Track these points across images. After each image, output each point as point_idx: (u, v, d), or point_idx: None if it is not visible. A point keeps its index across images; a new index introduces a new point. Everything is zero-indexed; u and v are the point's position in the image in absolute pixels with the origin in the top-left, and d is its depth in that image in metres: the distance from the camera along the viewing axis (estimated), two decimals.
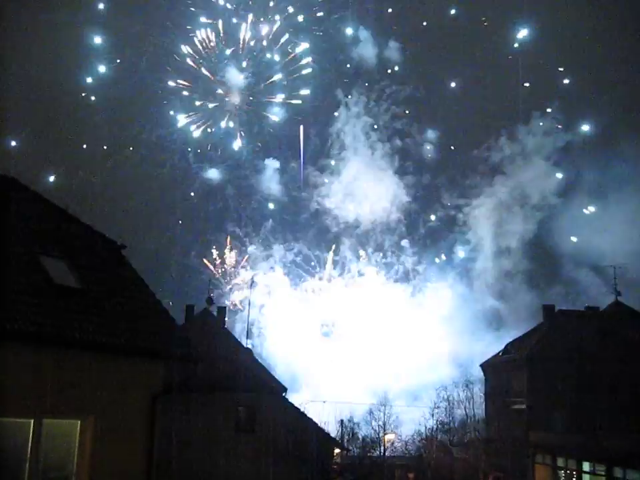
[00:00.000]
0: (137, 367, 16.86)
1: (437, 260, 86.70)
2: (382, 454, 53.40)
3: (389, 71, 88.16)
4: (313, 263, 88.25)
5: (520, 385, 47.47)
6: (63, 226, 18.78)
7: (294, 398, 69.68)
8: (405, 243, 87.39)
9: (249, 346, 74.03)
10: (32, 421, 14.17)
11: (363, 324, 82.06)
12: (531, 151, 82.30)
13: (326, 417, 57.18)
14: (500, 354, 53.37)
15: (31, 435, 14.11)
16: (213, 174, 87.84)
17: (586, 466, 39.33)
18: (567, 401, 41.74)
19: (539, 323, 51.93)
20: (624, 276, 51.48)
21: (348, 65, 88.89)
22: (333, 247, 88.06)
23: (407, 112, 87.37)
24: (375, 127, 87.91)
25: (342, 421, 57.71)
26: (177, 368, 18.64)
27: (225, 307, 58.92)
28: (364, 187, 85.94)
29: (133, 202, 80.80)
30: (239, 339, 49.95)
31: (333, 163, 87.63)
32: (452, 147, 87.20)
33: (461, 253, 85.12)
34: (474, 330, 72.86)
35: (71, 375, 14.95)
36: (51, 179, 79.91)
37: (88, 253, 18.91)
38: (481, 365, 55.70)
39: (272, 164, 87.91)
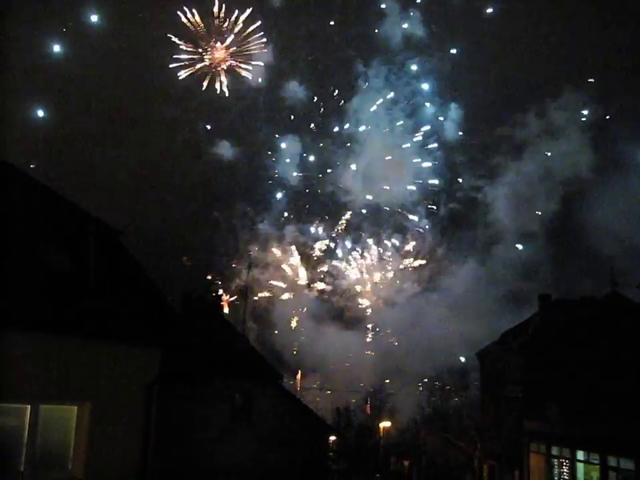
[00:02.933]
0: (134, 354, 16.86)
1: (457, 241, 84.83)
2: (377, 441, 53.61)
3: (411, 42, 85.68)
4: (327, 245, 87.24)
5: (515, 373, 47.61)
6: (60, 212, 18.70)
7: (293, 384, 70.73)
8: (425, 224, 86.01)
9: (252, 330, 74.17)
10: (29, 406, 14.20)
11: (378, 307, 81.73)
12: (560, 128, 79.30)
13: (322, 404, 57.64)
14: (496, 342, 53.46)
15: (27, 420, 14.15)
16: (225, 149, 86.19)
17: (580, 455, 39.52)
18: (562, 389, 41.80)
19: (535, 311, 52.04)
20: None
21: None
22: (343, 224, 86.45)
23: (428, 86, 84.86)
24: (395, 101, 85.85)
25: (338, 408, 58.00)
26: (173, 355, 18.65)
27: (221, 295, 58.70)
28: (383, 166, 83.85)
29: (138, 178, 79.86)
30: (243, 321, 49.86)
31: (350, 140, 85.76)
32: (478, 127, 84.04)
33: (481, 233, 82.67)
34: (492, 313, 70.67)
35: (68, 361, 14.96)
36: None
37: (85, 239, 18.84)
38: (477, 353, 55.81)
39: (288, 141, 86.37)
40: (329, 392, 66.43)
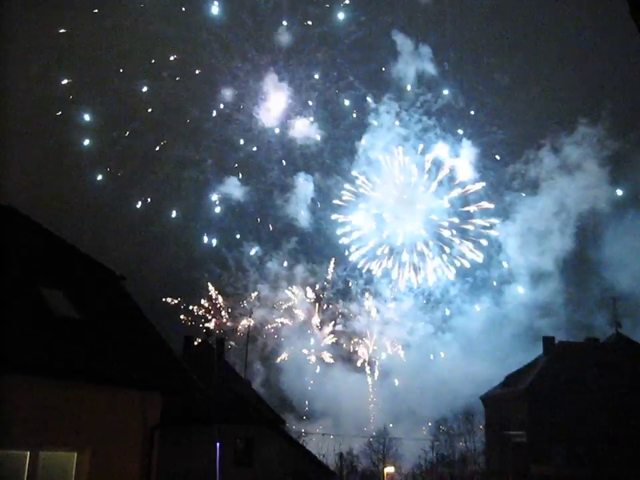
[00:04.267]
0: (134, 399, 16.75)
1: (469, 281, 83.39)
2: None
3: (423, 77, 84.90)
4: (339, 287, 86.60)
5: (520, 417, 47.17)
6: (63, 256, 18.79)
7: (298, 426, 70.01)
8: (437, 264, 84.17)
9: (262, 372, 73.41)
10: (28, 453, 14.05)
11: (388, 349, 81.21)
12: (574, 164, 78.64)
13: (325, 448, 56.98)
14: (500, 386, 53.08)
15: (26, 467, 13.98)
16: (234, 188, 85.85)
17: None
18: (568, 433, 41.41)
19: (539, 354, 51.73)
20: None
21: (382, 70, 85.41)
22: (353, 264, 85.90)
23: (440, 122, 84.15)
24: (407, 138, 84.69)
25: (341, 453, 57.34)
26: (175, 400, 18.54)
27: (223, 339, 58.29)
28: (394, 205, 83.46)
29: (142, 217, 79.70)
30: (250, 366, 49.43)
31: (361, 178, 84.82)
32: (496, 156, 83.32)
33: (494, 274, 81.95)
34: (503, 353, 69.26)
35: (68, 406, 14.85)
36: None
37: (87, 284, 18.90)
38: (481, 397, 55.36)
39: (299, 180, 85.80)
40: (332, 437, 65.64)
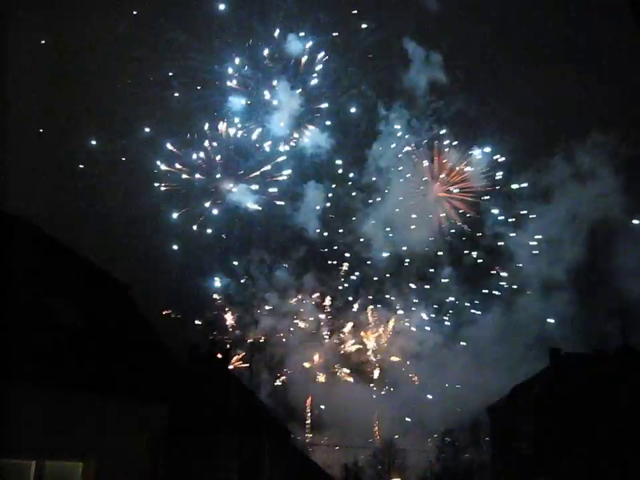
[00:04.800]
0: (140, 409, 16.73)
1: (480, 292, 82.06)
2: None
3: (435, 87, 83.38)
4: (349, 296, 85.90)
5: (526, 429, 46.92)
6: (69, 265, 18.82)
7: (301, 440, 69.76)
8: (446, 274, 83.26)
9: (269, 382, 72.88)
10: (33, 462, 14.03)
11: (398, 362, 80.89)
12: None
13: (331, 458, 56.80)
14: (506, 397, 52.84)
15: (32, 477, 13.97)
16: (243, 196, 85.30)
17: None
18: (574, 446, 41.16)
19: (545, 366, 51.52)
20: None
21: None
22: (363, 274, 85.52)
23: (452, 130, 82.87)
24: (418, 145, 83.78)
25: (346, 465, 57.19)
26: (180, 410, 18.50)
27: (229, 349, 57.97)
28: (404, 214, 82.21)
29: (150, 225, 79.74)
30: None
31: (370, 187, 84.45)
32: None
33: (505, 282, 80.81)
34: (513, 363, 67.99)
35: (74, 416, 14.84)
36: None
37: (93, 293, 18.92)
38: (487, 409, 55.09)
39: (309, 190, 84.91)
40: (337, 447, 65.41)
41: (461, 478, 53.38)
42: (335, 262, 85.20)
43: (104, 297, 19.40)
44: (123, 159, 79.70)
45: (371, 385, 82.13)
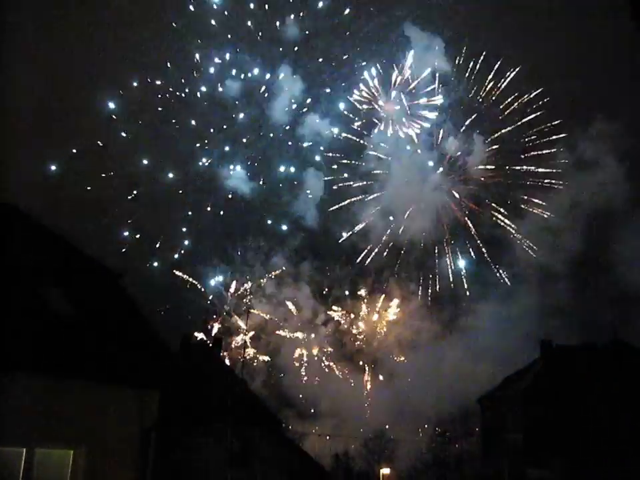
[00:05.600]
0: (131, 397, 16.73)
1: (481, 280, 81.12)
2: None
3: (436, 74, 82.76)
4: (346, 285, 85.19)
5: (516, 420, 47.16)
6: (62, 254, 18.78)
7: (298, 425, 69.89)
8: (446, 261, 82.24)
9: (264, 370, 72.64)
10: (24, 450, 14.04)
11: (392, 352, 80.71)
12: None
13: (321, 448, 56.93)
14: (497, 388, 53.09)
15: (22, 464, 13.98)
16: (242, 182, 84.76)
17: None
18: (564, 437, 41.41)
19: (536, 357, 51.72)
20: None
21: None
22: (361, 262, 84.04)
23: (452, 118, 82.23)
24: (417, 132, 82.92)
25: (337, 454, 57.33)
26: (171, 399, 18.51)
27: (220, 338, 57.75)
28: (403, 202, 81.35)
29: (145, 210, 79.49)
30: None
31: (370, 175, 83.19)
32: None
33: (504, 271, 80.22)
34: (511, 353, 65.88)
35: (64, 404, 14.84)
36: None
37: (85, 282, 18.89)
38: (478, 399, 55.33)
39: (308, 176, 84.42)
40: (328, 437, 65.53)
41: (451, 468, 53.62)
42: (332, 250, 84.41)
43: (95, 286, 19.37)
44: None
45: (365, 374, 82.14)
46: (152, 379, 17.65)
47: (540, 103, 78.61)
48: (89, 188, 76.48)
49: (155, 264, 79.79)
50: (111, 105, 79.74)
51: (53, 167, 77.03)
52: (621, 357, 45.36)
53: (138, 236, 79.03)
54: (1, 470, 13.92)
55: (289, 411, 72.58)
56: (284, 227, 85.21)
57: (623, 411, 40.62)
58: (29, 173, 65.11)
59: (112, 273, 20.47)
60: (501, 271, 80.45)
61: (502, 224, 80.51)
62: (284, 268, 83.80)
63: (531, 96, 79.00)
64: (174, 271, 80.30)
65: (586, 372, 43.36)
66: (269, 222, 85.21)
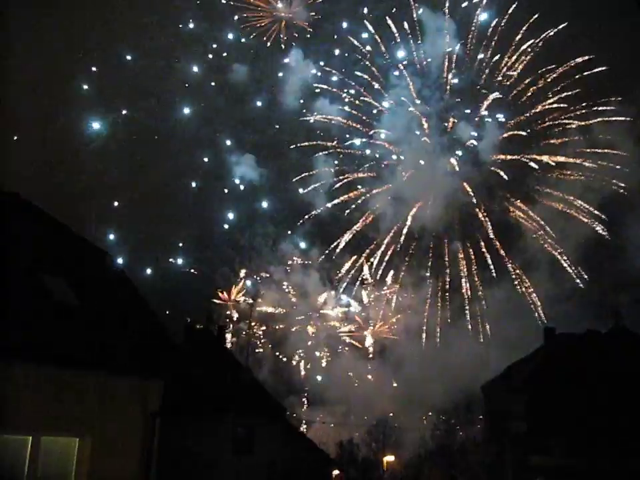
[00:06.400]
0: (135, 386, 16.82)
1: (489, 267, 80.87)
2: (381, 476, 53.16)
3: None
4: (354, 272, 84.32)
5: (520, 408, 47.19)
6: (65, 243, 18.81)
7: (304, 411, 70.12)
8: (456, 248, 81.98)
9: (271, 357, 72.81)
10: (30, 438, 14.13)
11: (399, 339, 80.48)
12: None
13: (327, 436, 57.19)
14: (500, 376, 53.09)
15: (28, 452, 14.07)
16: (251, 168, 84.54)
17: None
18: (567, 424, 41.44)
19: (540, 345, 51.70)
20: None
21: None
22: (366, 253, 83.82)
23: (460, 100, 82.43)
24: (429, 116, 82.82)
25: (341, 442, 57.53)
26: (175, 387, 18.60)
27: (223, 326, 57.40)
28: (414, 188, 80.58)
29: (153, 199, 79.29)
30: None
31: (381, 159, 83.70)
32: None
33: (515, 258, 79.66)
34: (519, 341, 65.23)
35: (69, 393, 14.93)
36: None
37: (88, 271, 18.94)
38: (481, 387, 55.38)
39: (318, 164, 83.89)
40: (332, 425, 65.76)
41: (454, 456, 53.76)
42: (342, 236, 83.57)
43: (99, 274, 19.42)
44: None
45: (369, 359, 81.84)
46: (156, 367, 17.74)
47: (555, 87, 78.55)
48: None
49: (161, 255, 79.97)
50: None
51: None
52: (625, 344, 45.36)
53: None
54: (7, 458, 14.02)
55: (296, 398, 72.78)
56: (293, 213, 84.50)
57: (626, 398, 40.62)
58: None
59: (116, 262, 20.52)
60: (509, 258, 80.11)
61: (513, 210, 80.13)
62: (293, 256, 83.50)
63: (548, 80, 78.83)
64: (178, 259, 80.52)
65: (589, 359, 43.35)
66: (279, 208, 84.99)
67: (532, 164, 79.54)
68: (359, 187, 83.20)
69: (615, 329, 47.54)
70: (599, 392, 40.16)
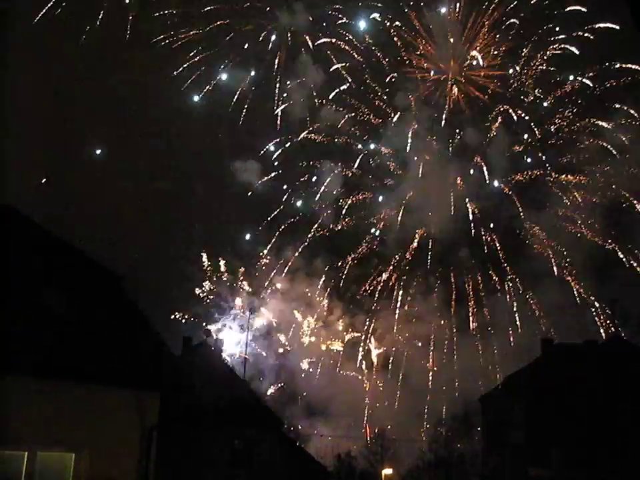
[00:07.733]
0: (133, 399, 16.73)
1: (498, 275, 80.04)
2: None
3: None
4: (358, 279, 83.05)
5: (518, 419, 47.10)
6: (63, 257, 18.75)
7: (304, 423, 69.64)
8: (464, 257, 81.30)
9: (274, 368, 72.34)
10: (26, 453, 14.05)
11: (400, 350, 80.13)
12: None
13: (324, 450, 56.89)
14: (498, 387, 53.00)
15: (24, 467, 13.98)
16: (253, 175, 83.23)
17: None
18: (566, 435, 41.37)
19: (538, 356, 51.68)
20: None
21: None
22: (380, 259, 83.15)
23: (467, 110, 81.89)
24: (436, 121, 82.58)
25: (339, 455, 57.28)
26: (173, 400, 18.51)
27: (222, 339, 57.00)
28: (422, 196, 79.88)
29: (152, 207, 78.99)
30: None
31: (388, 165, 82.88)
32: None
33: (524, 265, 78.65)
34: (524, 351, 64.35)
35: (66, 406, 14.85)
36: None
37: (87, 284, 18.87)
38: (479, 398, 55.29)
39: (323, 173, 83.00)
40: (330, 438, 65.42)
41: (453, 468, 53.57)
42: (347, 245, 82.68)
43: (97, 288, 19.36)
44: None
45: (373, 370, 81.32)
46: (153, 381, 17.65)
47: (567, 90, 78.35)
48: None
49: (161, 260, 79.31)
50: None
51: None
52: (623, 354, 45.36)
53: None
54: (3, 473, 13.92)
55: (295, 410, 72.28)
56: (299, 221, 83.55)
57: (625, 409, 40.58)
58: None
59: (114, 275, 20.44)
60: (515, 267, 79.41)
61: (521, 217, 79.50)
62: (296, 263, 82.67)
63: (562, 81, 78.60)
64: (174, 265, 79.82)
65: (587, 370, 43.33)
66: (282, 216, 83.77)
67: (546, 178, 79.47)
68: (364, 192, 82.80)
69: (612, 339, 47.58)
70: (597, 402, 40.10)
